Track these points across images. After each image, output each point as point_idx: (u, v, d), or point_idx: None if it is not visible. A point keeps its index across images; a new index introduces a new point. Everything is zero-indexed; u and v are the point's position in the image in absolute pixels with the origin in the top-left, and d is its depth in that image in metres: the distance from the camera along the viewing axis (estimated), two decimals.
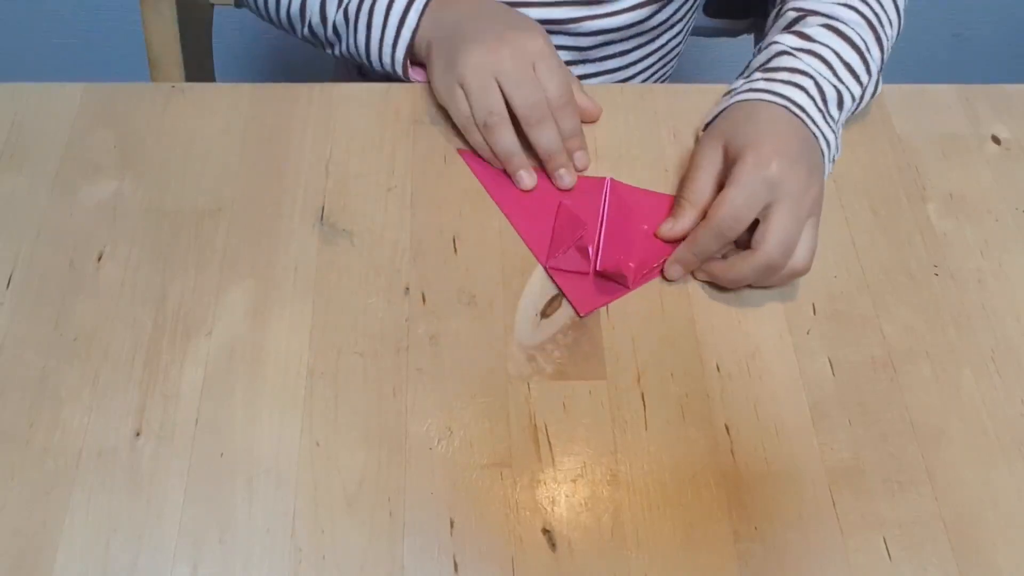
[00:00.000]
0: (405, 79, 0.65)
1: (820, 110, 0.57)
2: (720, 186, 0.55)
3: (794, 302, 0.56)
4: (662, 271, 0.56)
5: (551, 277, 0.56)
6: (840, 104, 0.59)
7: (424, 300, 0.55)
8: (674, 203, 0.58)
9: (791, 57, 0.59)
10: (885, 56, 0.62)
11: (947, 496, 0.49)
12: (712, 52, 1.02)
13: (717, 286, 0.56)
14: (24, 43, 1.41)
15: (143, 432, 0.49)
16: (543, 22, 0.70)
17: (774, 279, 0.54)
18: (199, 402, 0.50)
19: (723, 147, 0.55)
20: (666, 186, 0.61)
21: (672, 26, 0.77)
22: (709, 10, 0.92)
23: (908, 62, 0.62)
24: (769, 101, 0.56)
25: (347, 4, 0.65)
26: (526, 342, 0.53)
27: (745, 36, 0.96)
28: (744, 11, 0.93)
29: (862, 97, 0.61)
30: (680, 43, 0.82)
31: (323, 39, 0.68)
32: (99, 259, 0.55)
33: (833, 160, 0.59)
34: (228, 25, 1.34)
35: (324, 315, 0.54)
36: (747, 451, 0.50)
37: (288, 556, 0.46)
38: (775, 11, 0.65)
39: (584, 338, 0.54)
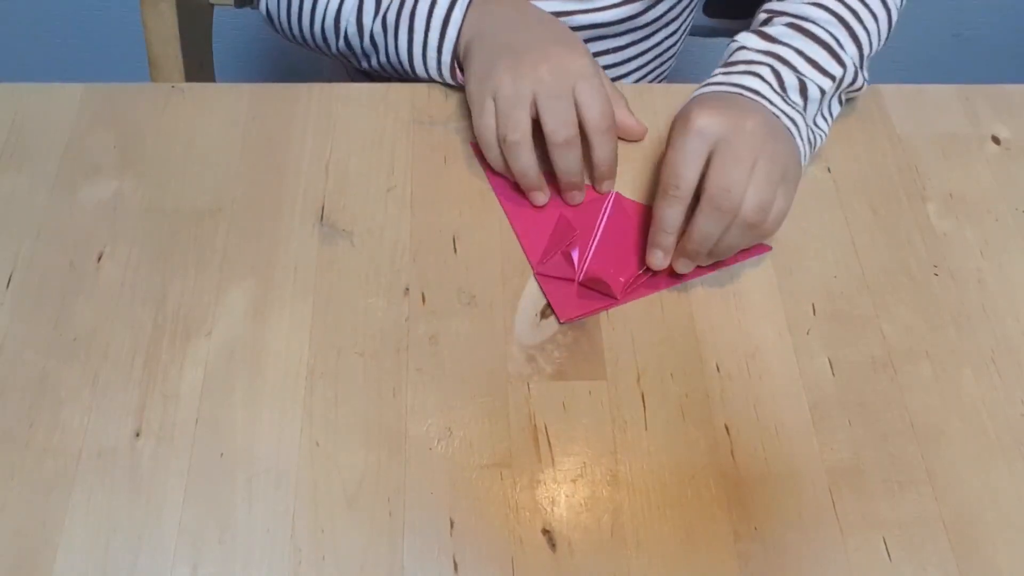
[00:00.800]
0: (452, 82, 0.64)
1: (778, 93, 0.57)
2: (699, 173, 0.54)
3: (794, 302, 0.56)
4: (670, 272, 0.55)
5: (538, 283, 0.56)
6: (803, 91, 0.58)
7: (424, 300, 0.55)
8: (657, 197, 0.55)
9: (749, 52, 0.59)
10: (866, 51, 0.61)
11: (947, 496, 0.49)
12: (712, 52, 1.02)
13: (717, 286, 0.56)
14: (24, 43, 1.41)
15: (143, 432, 0.49)
16: None
17: (747, 240, 0.54)
18: (199, 402, 0.50)
19: (693, 127, 0.54)
20: None
21: (667, 24, 0.77)
22: (708, 10, 0.92)
23: (908, 62, 0.62)
24: (725, 91, 0.56)
25: (385, 11, 0.63)
26: (526, 342, 0.53)
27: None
28: (743, 11, 0.93)
29: (837, 88, 0.60)
30: (677, 42, 0.82)
31: (359, 51, 0.67)
32: (99, 259, 0.55)
33: (811, 144, 0.58)
34: (228, 25, 1.34)
35: (324, 315, 0.54)
36: (747, 451, 0.50)
37: (288, 556, 0.46)
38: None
39: (584, 338, 0.54)
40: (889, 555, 0.47)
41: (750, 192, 0.51)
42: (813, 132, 0.59)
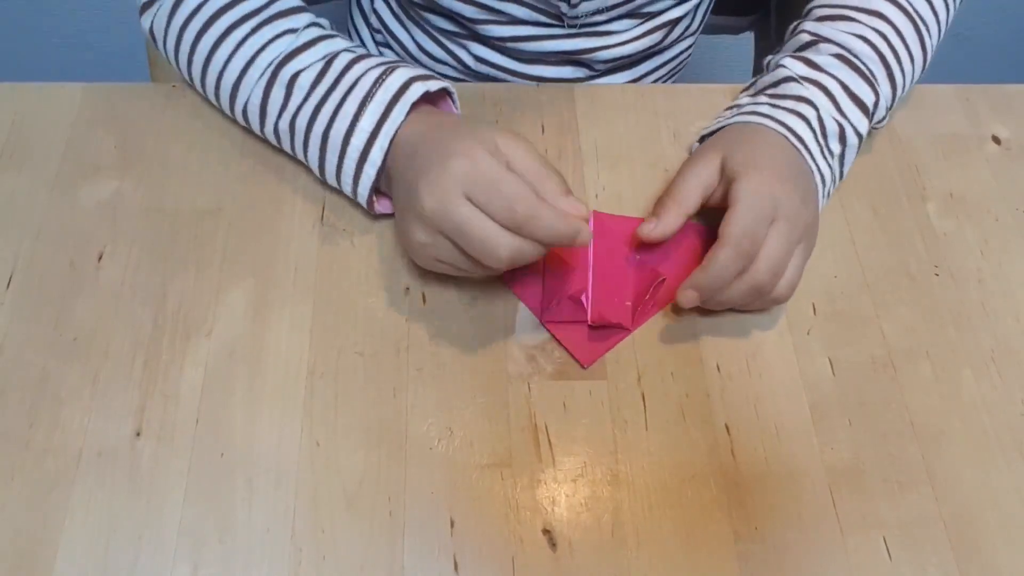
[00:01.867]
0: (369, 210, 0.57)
1: (819, 143, 0.56)
2: (705, 198, 0.55)
3: (794, 302, 0.56)
4: (675, 298, 0.53)
5: (550, 332, 0.54)
6: (842, 138, 0.57)
7: (424, 300, 0.55)
8: (656, 204, 0.56)
9: (797, 85, 0.58)
10: (899, 93, 0.60)
11: (947, 496, 0.49)
12: (712, 52, 1.02)
13: None
14: (24, 43, 1.41)
15: (143, 432, 0.49)
16: (557, 54, 0.70)
17: (757, 303, 0.53)
18: (199, 402, 0.50)
19: (720, 161, 0.55)
20: (665, 186, 0.60)
21: (684, 39, 0.78)
22: (712, 7, 0.92)
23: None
24: (772, 128, 0.56)
25: (295, 113, 0.55)
26: (526, 342, 0.53)
27: (746, 34, 0.96)
28: (748, 8, 0.93)
29: (869, 130, 0.60)
30: (690, 48, 0.82)
31: (257, 130, 0.59)
32: (99, 259, 0.55)
33: (829, 194, 0.58)
34: None
35: (324, 315, 0.54)
36: (747, 451, 0.50)
37: (288, 556, 0.46)
38: (792, 27, 0.64)
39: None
40: (889, 555, 0.47)
41: (785, 278, 0.52)
42: (835, 182, 0.59)
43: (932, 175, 0.62)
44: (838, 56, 0.58)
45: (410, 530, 0.47)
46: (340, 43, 0.57)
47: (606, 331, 0.54)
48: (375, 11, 0.78)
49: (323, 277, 0.55)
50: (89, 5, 1.36)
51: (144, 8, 0.61)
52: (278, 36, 0.56)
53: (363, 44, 0.84)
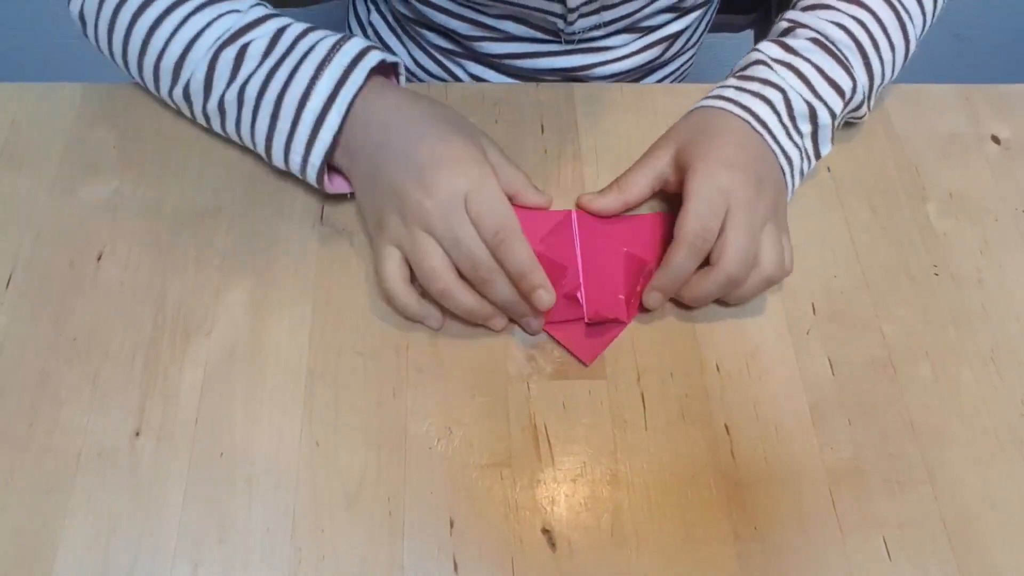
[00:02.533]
0: (316, 186, 0.55)
1: (784, 125, 0.56)
2: (654, 189, 0.56)
3: (794, 302, 0.56)
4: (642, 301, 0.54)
5: (548, 334, 0.53)
6: (812, 118, 0.57)
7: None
8: (610, 183, 0.57)
9: (767, 68, 0.58)
10: (878, 82, 0.60)
11: (947, 496, 0.49)
12: (713, 52, 1.02)
13: None
14: (24, 43, 1.41)
15: (143, 432, 0.49)
16: (554, 71, 0.70)
17: (744, 291, 0.53)
18: (199, 402, 0.50)
19: (674, 152, 0.55)
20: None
21: (684, 52, 0.78)
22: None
23: (908, 62, 0.62)
24: (732, 112, 0.56)
25: (245, 81, 0.54)
26: (526, 342, 0.53)
27: (747, 33, 0.96)
28: (748, 6, 0.93)
29: (845, 110, 0.59)
30: (691, 60, 0.82)
31: (199, 109, 0.57)
32: (99, 259, 0.55)
33: (803, 173, 0.58)
34: None
35: (324, 315, 0.54)
36: (747, 451, 0.50)
37: (288, 556, 0.46)
38: (777, 18, 0.65)
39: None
40: (889, 555, 0.47)
41: (767, 257, 0.52)
42: (810, 161, 0.58)
43: (932, 175, 0.62)
44: (813, 40, 0.58)
45: (410, 530, 0.47)
46: (289, 19, 0.56)
47: (603, 327, 0.54)
48: (371, 24, 0.78)
49: (323, 277, 0.55)
50: None
51: None
52: (222, 15, 0.55)
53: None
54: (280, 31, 0.54)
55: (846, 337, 0.55)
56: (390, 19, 0.75)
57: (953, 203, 0.61)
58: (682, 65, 0.79)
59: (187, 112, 0.58)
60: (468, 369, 0.52)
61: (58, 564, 0.45)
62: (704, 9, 0.75)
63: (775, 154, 0.55)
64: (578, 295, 0.54)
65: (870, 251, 0.58)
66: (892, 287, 0.57)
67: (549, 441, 0.50)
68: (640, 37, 0.70)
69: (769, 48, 0.59)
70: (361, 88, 0.52)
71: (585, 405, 0.51)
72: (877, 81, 0.60)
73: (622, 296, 0.54)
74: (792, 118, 0.57)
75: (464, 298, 0.51)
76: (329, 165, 0.55)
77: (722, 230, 0.51)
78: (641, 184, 0.56)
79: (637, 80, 0.75)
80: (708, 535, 0.47)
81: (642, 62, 0.71)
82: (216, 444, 0.49)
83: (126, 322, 0.53)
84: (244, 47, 0.54)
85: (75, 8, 0.60)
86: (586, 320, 0.53)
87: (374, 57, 0.53)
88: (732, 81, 0.58)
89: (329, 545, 0.46)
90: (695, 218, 0.51)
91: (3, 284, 0.54)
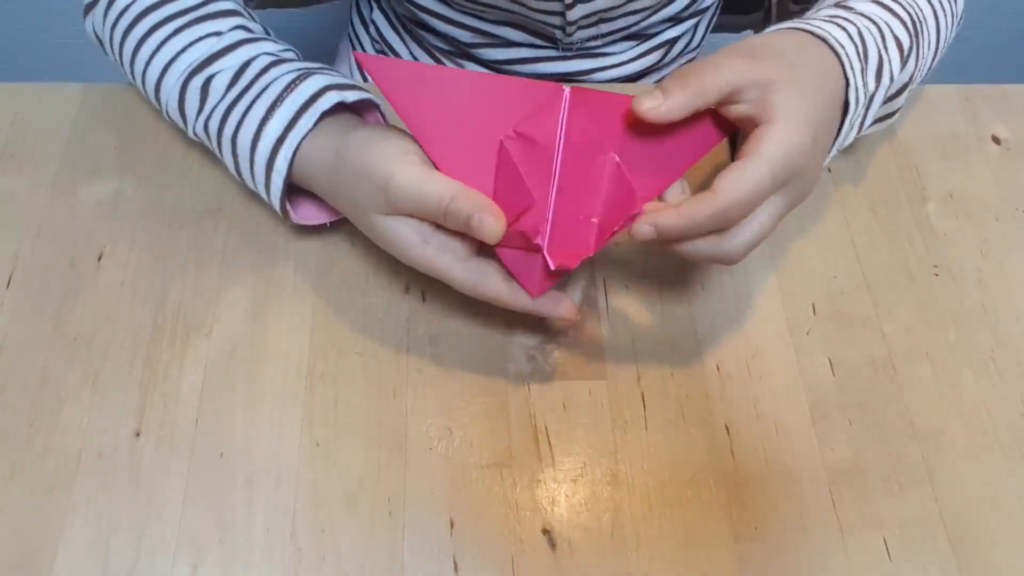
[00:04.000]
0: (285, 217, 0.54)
1: (860, 61, 0.49)
2: (725, 97, 0.45)
3: (794, 302, 0.56)
4: (630, 226, 0.45)
5: (497, 258, 0.48)
6: (879, 74, 0.50)
7: (424, 300, 0.55)
8: (668, 79, 0.45)
9: (835, 8, 0.52)
10: (917, 76, 0.56)
11: (947, 496, 0.49)
12: (712, 51, 1.02)
13: (717, 286, 0.56)
14: (24, 43, 1.41)
15: (143, 432, 0.49)
16: (552, 76, 0.70)
17: (717, 249, 0.46)
18: (199, 402, 0.50)
19: (759, 78, 0.45)
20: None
21: (684, 55, 0.78)
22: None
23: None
24: (807, 35, 0.49)
25: (208, 117, 0.53)
26: (526, 342, 0.53)
27: (747, 34, 0.96)
28: (749, 6, 0.93)
29: (895, 89, 0.54)
30: (694, 61, 0.82)
31: (184, 131, 0.57)
32: (99, 259, 0.55)
33: (837, 151, 0.52)
34: None
35: (324, 315, 0.54)
36: (747, 451, 0.50)
37: (288, 556, 0.46)
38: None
39: (584, 338, 0.54)
40: (889, 555, 0.47)
41: (748, 232, 0.46)
42: (851, 130, 0.52)
43: (932, 175, 0.62)
44: (877, 2, 0.53)
45: (410, 530, 0.47)
46: (264, 46, 0.54)
47: (562, 253, 0.46)
48: (373, 21, 0.78)
49: (323, 277, 0.55)
50: None
51: (87, 11, 0.59)
52: (200, 39, 0.54)
53: (364, 51, 0.84)
54: (246, 64, 0.53)
55: (846, 337, 0.55)
56: (392, 17, 0.75)
57: (953, 203, 0.61)
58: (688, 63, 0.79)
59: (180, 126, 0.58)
60: (468, 369, 0.52)
61: (58, 564, 0.45)
62: (703, 15, 0.75)
63: (846, 99, 0.49)
64: (539, 238, 0.46)
65: (870, 251, 0.58)
66: (892, 287, 0.57)
67: (549, 441, 0.50)
68: (639, 44, 0.70)
69: (828, 9, 0.54)
70: (309, 134, 0.50)
71: (585, 405, 0.51)
72: (917, 76, 0.56)
73: (595, 219, 0.46)
74: (865, 57, 0.50)
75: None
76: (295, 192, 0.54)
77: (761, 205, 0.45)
78: (712, 95, 0.45)
79: (634, 83, 0.75)
80: (708, 535, 0.47)
81: (641, 68, 0.71)
82: (216, 444, 0.49)
83: (126, 322, 0.53)
84: (209, 79, 0.53)
85: (89, 27, 0.60)
86: (553, 268, 0.46)
87: (328, 100, 0.50)
88: (795, 21, 0.52)
89: (329, 545, 0.46)
90: (752, 188, 0.43)
91: (3, 284, 0.54)
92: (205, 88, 0.53)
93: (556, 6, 0.63)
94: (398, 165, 0.45)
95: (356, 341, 0.53)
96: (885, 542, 0.48)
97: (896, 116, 0.59)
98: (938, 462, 0.50)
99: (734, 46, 0.48)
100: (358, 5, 0.81)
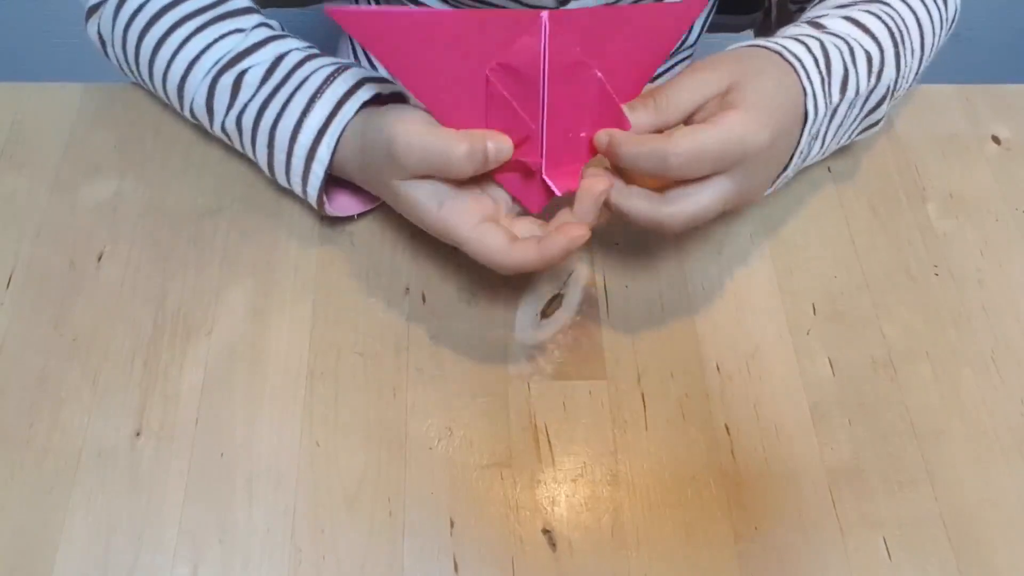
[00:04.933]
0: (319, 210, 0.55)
1: (820, 73, 0.51)
2: (691, 114, 0.48)
3: (794, 302, 0.56)
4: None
5: (494, 178, 0.49)
6: (844, 86, 0.52)
7: (424, 300, 0.55)
8: (638, 99, 0.48)
9: (798, 28, 0.54)
10: (901, 84, 0.57)
11: (947, 496, 0.49)
12: (713, 51, 1.02)
13: (717, 286, 0.56)
14: (24, 43, 1.41)
15: (143, 432, 0.49)
16: None
17: (656, 211, 0.46)
18: (199, 402, 0.50)
19: (728, 82, 0.48)
20: None
21: (679, 52, 0.77)
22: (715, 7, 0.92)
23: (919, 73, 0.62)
24: (764, 50, 0.51)
25: (242, 110, 0.54)
26: (526, 342, 0.53)
27: (747, 34, 0.96)
28: (748, 6, 0.93)
29: (866, 99, 0.55)
30: (690, 59, 0.82)
31: (208, 128, 0.58)
32: (99, 259, 0.55)
33: (802, 157, 0.53)
34: None
35: (324, 315, 0.54)
36: (747, 451, 0.50)
37: (288, 556, 0.46)
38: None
39: (584, 338, 0.54)
40: (889, 555, 0.47)
41: (689, 203, 0.46)
42: (815, 141, 0.53)
43: (932, 175, 0.62)
44: (846, 18, 0.55)
45: (410, 530, 0.47)
46: (291, 43, 0.55)
47: (562, 175, 0.48)
48: None
49: (323, 277, 0.55)
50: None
51: (90, 13, 0.59)
52: (224, 36, 0.55)
53: (351, 43, 0.84)
54: (279, 58, 0.54)
55: (846, 337, 0.55)
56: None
57: (953, 203, 0.61)
58: (675, 65, 0.79)
59: (205, 128, 0.58)
60: (468, 369, 0.52)
61: (58, 564, 0.45)
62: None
63: (804, 114, 0.51)
64: (540, 166, 0.47)
65: (870, 251, 0.58)
66: (892, 287, 0.57)
67: (549, 441, 0.50)
68: None
69: (798, 27, 0.55)
70: (350, 122, 0.51)
71: (585, 405, 0.51)
72: (901, 84, 0.57)
73: (584, 134, 0.48)
74: (829, 72, 0.52)
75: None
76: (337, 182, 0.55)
77: (706, 180, 0.46)
78: (684, 106, 0.48)
79: None
80: (708, 535, 0.47)
81: None
82: (216, 444, 0.49)
83: (126, 322, 0.53)
84: (242, 74, 0.54)
85: (92, 30, 0.60)
86: (550, 183, 0.47)
87: (367, 91, 0.51)
88: (760, 40, 0.53)
89: (329, 545, 0.46)
90: (698, 145, 0.44)
91: (3, 284, 0.54)
92: (237, 84, 0.54)
93: (550, 2, 0.63)
94: (399, 128, 0.46)
95: (356, 341, 0.53)
96: (885, 542, 0.48)
97: (879, 126, 0.59)
98: (938, 462, 0.50)
99: (696, 64, 0.50)
100: (356, 4, 0.81)
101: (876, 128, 0.59)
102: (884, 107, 0.57)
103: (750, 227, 0.59)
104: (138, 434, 0.49)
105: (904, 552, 0.47)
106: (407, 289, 0.55)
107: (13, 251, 0.55)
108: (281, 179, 0.55)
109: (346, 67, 0.53)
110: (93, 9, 0.59)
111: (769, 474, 0.49)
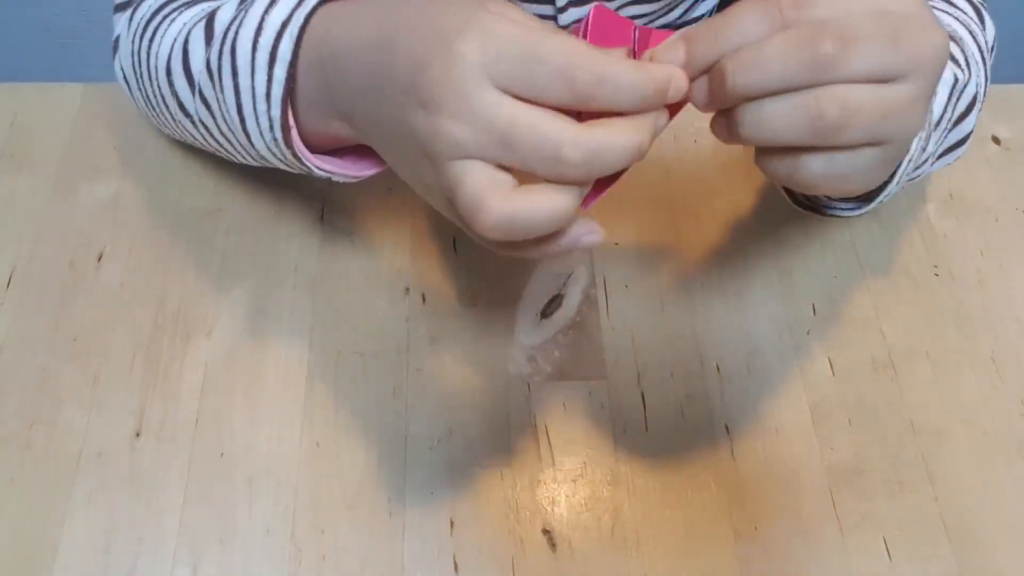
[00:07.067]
0: (287, 156, 0.44)
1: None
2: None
3: (794, 302, 0.56)
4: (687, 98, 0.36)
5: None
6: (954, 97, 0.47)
7: (424, 300, 0.55)
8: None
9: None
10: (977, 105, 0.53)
11: (947, 496, 0.49)
12: None
13: (718, 286, 0.56)
14: (24, 43, 1.41)
15: (143, 432, 0.49)
16: None
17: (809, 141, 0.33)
18: (199, 402, 0.50)
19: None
20: (666, 188, 0.61)
21: None
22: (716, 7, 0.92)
23: None
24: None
25: (212, 49, 0.44)
26: (526, 342, 0.53)
27: None
28: None
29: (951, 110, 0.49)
30: None
31: (196, 119, 0.49)
32: (99, 259, 0.55)
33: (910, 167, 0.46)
34: None
35: (324, 315, 0.54)
36: (747, 451, 0.50)
37: (288, 556, 0.46)
38: None
39: (584, 338, 0.54)
40: (889, 555, 0.47)
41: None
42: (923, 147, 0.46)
43: (932, 175, 0.62)
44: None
45: (410, 530, 0.47)
46: None
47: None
48: None
49: (323, 277, 0.55)
50: (89, 5, 1.36)
51: (116, 48, 0.55)
52: (199, 7, 0.50)
53: None
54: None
55: (846, 337, 0.55)
56: None
57: (953, 203, 0.61)
58: None
59: (194, 133, 0.51)
60: (468, 369, 0.52)
61: (58, 564, 0.45)
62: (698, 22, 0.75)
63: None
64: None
65: (870, 251, 0.58)
66: (892, 287, 0.57)
67: (549, 441, 0.50)
68: None
69: None
70: (319, 7, 0.40)
71: (585, 405, 0.51)
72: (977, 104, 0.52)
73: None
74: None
75: (580, 131, 0.32)
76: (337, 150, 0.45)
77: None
78: (740, 37, 0.33)
79: None
80: (708, 535, 0.47)
81: None
82: (216, 444, 0.49)
83: (126, 322, 0.53)
84: (212, 15, 0.46)
85: (117, 67, 0.55)
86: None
87: None
88: None
89: (329, 545, 0.46)
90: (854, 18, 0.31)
91: (3, 284, 0.54)
92: (210, 25, 0.46)
93: (548, 10, 0.63)
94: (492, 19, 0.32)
95: (356, 341, 0.53)
96: (885, 542, 0.48)
97: (966, 147, 0.54)
98: (938, 462, 0.50)
99: None
100: None
101: (963, 148, 0.53)
102: (971, 118, 0.52)
103: (750, 227, 0.59)
104: (138, 434, 0.49)
105: (904, 552, 0.47)
106: (407, 289, 0.55)
107: (13, 251, 0.55)
108: (251, 124, 0.43)
109: None
110: (116, 44, 0.55)
111: (769, 474, 0.49)
